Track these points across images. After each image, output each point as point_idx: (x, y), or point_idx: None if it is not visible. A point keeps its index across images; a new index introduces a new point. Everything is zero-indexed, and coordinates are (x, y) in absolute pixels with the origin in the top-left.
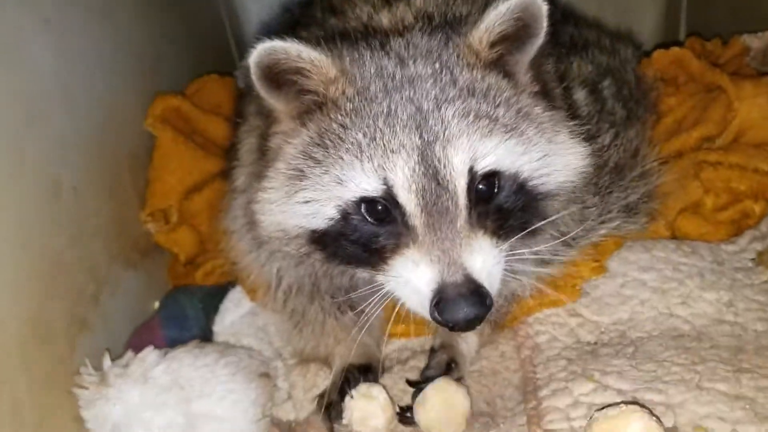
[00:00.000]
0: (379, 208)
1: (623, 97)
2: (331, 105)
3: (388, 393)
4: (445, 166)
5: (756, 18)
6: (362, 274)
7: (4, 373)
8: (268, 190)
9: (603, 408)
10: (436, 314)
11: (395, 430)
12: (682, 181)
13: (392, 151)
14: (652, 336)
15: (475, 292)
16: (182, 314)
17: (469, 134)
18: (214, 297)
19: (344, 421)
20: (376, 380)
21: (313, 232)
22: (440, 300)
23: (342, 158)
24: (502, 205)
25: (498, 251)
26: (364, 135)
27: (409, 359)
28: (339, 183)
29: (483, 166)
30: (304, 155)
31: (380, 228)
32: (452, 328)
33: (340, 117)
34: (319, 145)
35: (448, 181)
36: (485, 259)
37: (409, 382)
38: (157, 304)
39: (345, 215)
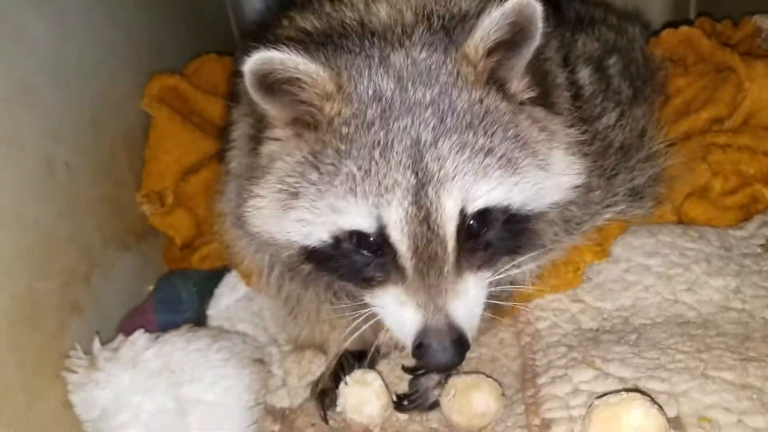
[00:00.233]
0: (371, 240)
1: (630, 76)
2: (327, 126)
3: (383, 379)
4: (437, 210)
5: None
6: (350, 288)
7: None
8: (260, 199)
9: (603, 396)
10: (417, 355)
11: (390, 418)
12: (689, 164)
13: (387, 190)
14: (656, 323)
15: (456, 341)
16: (176, 298)
17: (463, 174)
18: (209, 281)
19: (338, 408)
20: (371, 367)
21: (305, 248)
22: (422, 344)
23: (336, 188)
24: (490, 239)
25: (482, 286)
26: (359, 168)
27: None
28: (333, 211)
29: (474, 207)
30: (298, 174)
31: (371, 259)
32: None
33: (335, 141)
34: (313, 166)
35: (438, 225)
36: (468, 303)
37: (405, 368)
38: (151, 287)
39: (337, 241)
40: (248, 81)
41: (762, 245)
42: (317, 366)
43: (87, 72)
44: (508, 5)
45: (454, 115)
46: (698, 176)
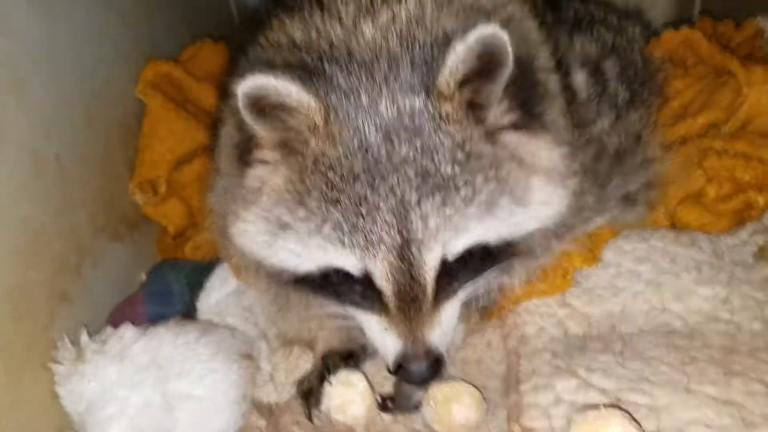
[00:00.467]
0: (357, 279)
1: (627, 78)
2: (312, 165)
3: (368, 380)
4: (419, 263)
5: None
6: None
7: None
8: (248, 224)
9: (584, 411)
10: (398, 374)
11: (375, 418)
12: (685, 169)
13: (372, 245)
14: (643, 331)
15: (433, 363)
16: (167, 290)
17: (445, 230)
18: (200, 273)
19: (322, 407)
20: (357, 367)
21: (292, 274)
22: (401, 366)
23: (325, 233)
24: (469, 272)
25: (457, 306)
26: (346, 220)
27: None
28: (322, 250)
29: (454, 255)
30: (285, 208)
31: (357, 293)
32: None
33: (321, 185)
34: (301, 204)
35: (420, 275)
36: (443, 327)
37: (390, 370)
38: (143, 276)
39: (325, 274)
40: (241, 103)
41: (754, 254)
42: (305, 362)
43: (81, 62)
44: (471, 39)
45: (437, 171)
46: (693, 181)
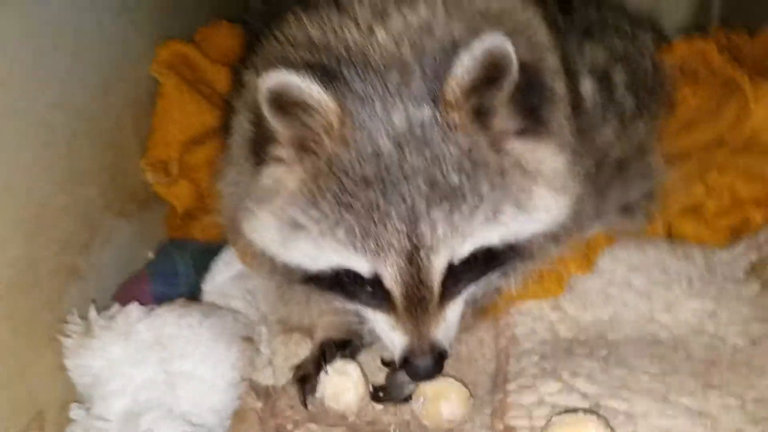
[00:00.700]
0: (368, 280)
1: (635, 87)
2: (326, 167)
3: (363, 370)
4: (427, 268)
5: None
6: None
7: None
8: (260, 222)
9: (563, 413)
10: (403, 367)
11: (366, 407)
12: (685, 182)
13: (383, 249)
14: (629, 339)
15: (437, 357)
16: (172, 270)
17: (452, 237)
18: (206, 254)
19: (317, 394)
20: (353, 356)
21: (304, 271)
22: (407, 360)
23: (338, 236)
24: (473, 273)
25: (461, 304)
26: (359, 226)
27: None
28: (335, 252)
29: (459, 260)
30: (300, 209)
31: (367, 291)
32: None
33: (335, 187)
34: (315, 206)
35: (427, 278)
36: (448, 324)
37: (384, 362)
38: (151, 255)
39: (336, 273)
40: (263, 98)
41: (746, 270)
42: (303, 349)
43: (101, 39)
44: (476, 50)
45: (445, 180)
46: (693, 195)
